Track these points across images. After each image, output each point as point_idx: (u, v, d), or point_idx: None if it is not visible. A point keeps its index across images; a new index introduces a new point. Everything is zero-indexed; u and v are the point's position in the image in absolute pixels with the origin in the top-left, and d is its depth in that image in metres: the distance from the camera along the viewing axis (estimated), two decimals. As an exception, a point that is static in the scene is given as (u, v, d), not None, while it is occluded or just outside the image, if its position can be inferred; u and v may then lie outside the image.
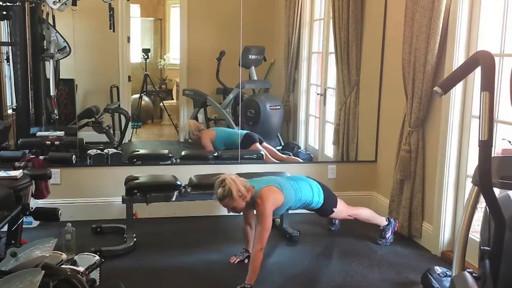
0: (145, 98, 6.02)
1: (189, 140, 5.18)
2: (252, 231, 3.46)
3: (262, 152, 4.77)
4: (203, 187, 3.83)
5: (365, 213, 3.81)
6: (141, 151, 4.82)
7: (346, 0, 4.68)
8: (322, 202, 3.50)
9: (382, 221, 3.86)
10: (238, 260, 3.48)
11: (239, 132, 5.10)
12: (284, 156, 5.07)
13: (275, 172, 4.18)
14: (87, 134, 5.03)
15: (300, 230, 3.94)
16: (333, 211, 3.58)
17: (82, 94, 5.27)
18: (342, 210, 3.64)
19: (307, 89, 5.69)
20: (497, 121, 3.19)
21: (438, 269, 3.11)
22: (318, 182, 3.61)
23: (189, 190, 3.80)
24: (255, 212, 3.30)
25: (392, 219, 3.88)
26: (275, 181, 3.39)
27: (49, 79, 4.64)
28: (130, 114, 5.51)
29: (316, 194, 3.48)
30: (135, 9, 5.76)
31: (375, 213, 3.89)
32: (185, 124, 5.47)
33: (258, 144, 4.96)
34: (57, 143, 4.17)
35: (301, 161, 5.09)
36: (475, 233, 3.08)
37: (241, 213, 3.46)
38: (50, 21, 4.67)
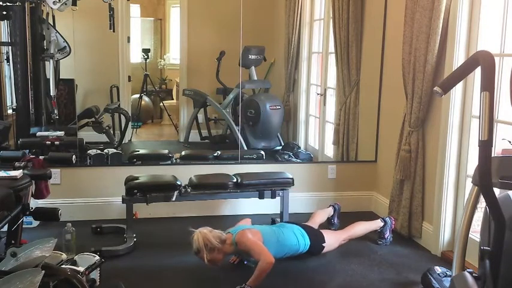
0: (145, 98, 6.01)
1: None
2: None
3: (262, 152, 4.77)
4: (203, 187, 3.84)
5: (358, 230, 3.72)
6: (141, 151, 4.82)
7: (346, 0, 4.68)
8: (309, 243, 3.43)
9: (377, 224, 3.84)
10: (238, 260, 3.47)
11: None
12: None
13: (275, 173, 4.19)
14: (87, 134, 5.03)
15: (300, 230, 3.94)
16: (323, 246, 3.49)
17: (82, 94, 5.27)
18: (332, 241, 3.55)
19: (307, 89, 5.69)
20: (497, 121, 3.19)
21: (438, 269, 3.11)
22: (297, 223, 3.56)
23: (189, 190, 3.80)
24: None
25: (387, 219, 3.87)
26: (253, 226, 3.45)
27: (49, 79, 4.64)
28: (130, 114, 5.51)
29: (300, 237, 3.41)
30: (135, 9, 5.76)
31: (366, 222, 3.83)
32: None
33: None
34: (57, 143, 4.16)
35: (299, 160, 5.10)
36: (475, 233, 3.08)
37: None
38: (50, 21, 4.67)
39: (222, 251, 3.21)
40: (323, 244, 3.49)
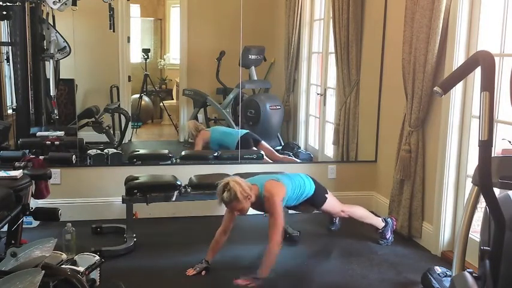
0: (145, 98, 6.02)
1: (189, 140, 5.18)
2: (224, 241, 3.36)
3: (262, 152, 4.77)
4: (203, 187, 3.83)
5: (359, 212, 3.76)
6: (141, 151, 4.82)
7: (346, 0, 4.68)
8: (314, 188, 3.49)
9: (378, 221, 3.84)
10: (195, 272, 3.27)
11: (238, 132, 5.07)
12: (281, 156, 5.05)
13: (273, 172, 4.18)
14: (87, 134, 5.03)
15: (300, 230, 3.94)
16: (326, 197, 3.54)
17: (82, 94, 5.27)
18: (334, 202, 3.62)
19: (307, 89, 5.69)
20: (497, 121, 3.19)
21: (438, 269, 3.11)
22: (304, 174, 3.63)
23: (189, 190, 3.80)
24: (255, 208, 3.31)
25: (389, 219, 3.87)
26: (273, 176, 3.44)
27: (49, 79, 4.65)
28: (130, 114, 5.51)
29: (306, 179, 3.49)
30: (135, 9, 5.76)
31: (369, 212, 3.86)
32: (186, 125, 5.50)
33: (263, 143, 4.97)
34: (57, 143, 4.16)
35: (299, 160, 5.09)
36: (475, 233, 3.08)
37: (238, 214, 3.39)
38: (50, 21, 4.68)
39: (251, 199, 3.17)
40: (326, 195, 3.54)
